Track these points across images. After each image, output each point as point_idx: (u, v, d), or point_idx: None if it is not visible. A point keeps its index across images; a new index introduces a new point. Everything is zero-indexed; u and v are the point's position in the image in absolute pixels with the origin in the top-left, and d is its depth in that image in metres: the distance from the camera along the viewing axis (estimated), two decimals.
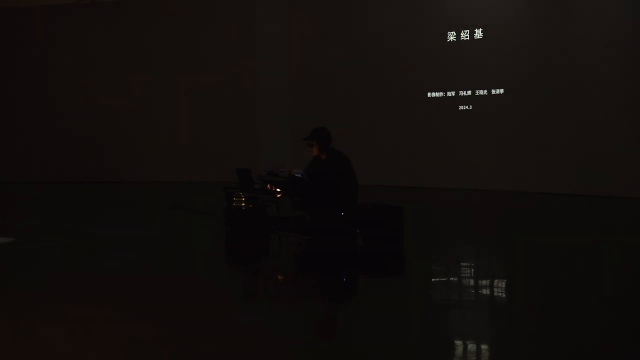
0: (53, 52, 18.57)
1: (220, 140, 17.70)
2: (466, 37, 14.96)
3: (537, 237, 9.11)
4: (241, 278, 7.20)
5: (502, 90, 14.61)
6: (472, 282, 6.66)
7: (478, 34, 14.80)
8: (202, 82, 17.84)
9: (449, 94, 15.33)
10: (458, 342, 4.69)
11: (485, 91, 14.82)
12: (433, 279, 6.87)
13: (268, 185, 8.44)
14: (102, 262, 7.51)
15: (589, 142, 13.51)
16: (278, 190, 8.30)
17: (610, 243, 8.57)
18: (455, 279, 6.79)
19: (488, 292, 6.24)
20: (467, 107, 15.11)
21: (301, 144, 8.43)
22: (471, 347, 4.57)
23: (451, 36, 15.14)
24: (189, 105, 18.01)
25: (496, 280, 6.68)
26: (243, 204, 8.93)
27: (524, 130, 14.29)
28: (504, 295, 6.21)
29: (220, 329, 4.98)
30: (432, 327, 5.08)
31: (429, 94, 15.56)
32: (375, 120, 16.11)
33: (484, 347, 4.59)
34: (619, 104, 13.16)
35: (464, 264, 7.62)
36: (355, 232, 8.07)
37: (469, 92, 15.04)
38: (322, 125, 8.33)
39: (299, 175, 8.17)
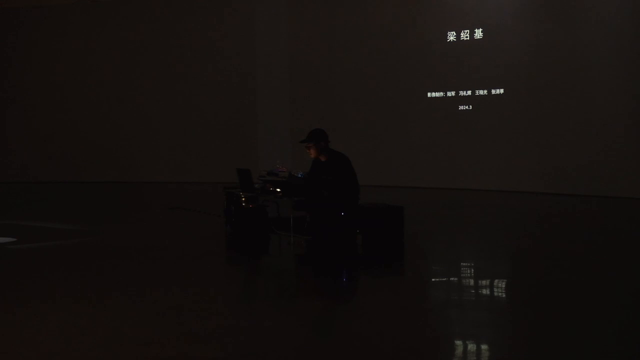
0: (54, 51, 18.57)
1: (220, 140, 17.70)
2: (466, 37, 14.96)
3: (537, 237, 9.11)
4: (241, 278, 7.20)
5: (502, 90, 14.61)
6: (471, 282, 6.66)
7: (478, 34, 14.81)
8: (202, 82, 17.84)
9: (449, 94, 15.34)
10: (457, 342, 4.70)
11: (485, 91, 14.83)
12: (433, 279, 6.87)
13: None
14: (101, 261, 7.52)
15: (590, 142, 13.52)
16: (278, 190, 8.30)
17: (610, 243, 8.57)
18: (455, 279, 6.79)
19: (488, 292, 6.24)
20: (467, 107, 15.12)
21: (301, 144, 8.45)
22: (470, 347, 4.57)
23: (451, 36, 15.14)
24: (189, 105, 18.01)
25: (496, 281, 6.68)
26: (243, 204, 8.94)
27: (524, 130, 14.30)
28: (503, 295, 6.21)
29: (220, 329, 4.98)
30: (431, 327, 5.09)
31: (429, 94, 15.57)
32: (375, 120, 16.12)
33: (483, 347, 4.59)
34: (620, 103, 13.17)
35: (463, 264, 7.63)
36: (355, 232, 8.07)
37: (469, 92, 15.04)
38: (318, 127, 8.36)
39: (299, 176, 8.18)
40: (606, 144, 13.31)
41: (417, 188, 15.20)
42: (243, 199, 8.93)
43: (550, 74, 13.92)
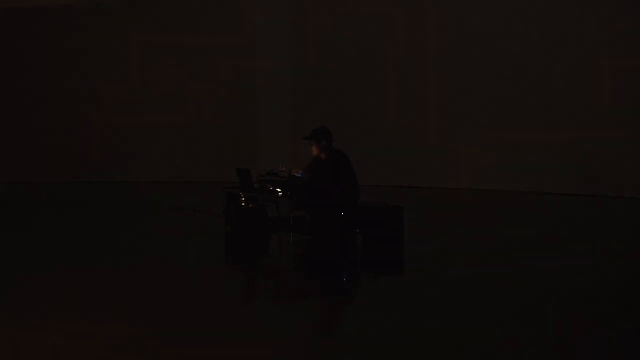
0: (54, 48, 18.54)
1: (220, 140, 17.68)
2: (466, 37, 14.92)
3: (536, 237, 9.10)
4: (241, 278, 7.20)
5: (502, 90, 14.57)
6: (471, 281, 6.64)
7: (479, 34, 14.75)
8: (202, 82, 17.80)
9: (448, 94, 15.29)
10: (457, 342, 4.69)
11: (485, 91, 14.79)
12: (433, 280, 6.86)
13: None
14: (101, 261, 7.51)
15: (588, 143, 13.51)
16: (278, 190, 8.30)
17: (607, 243, 8.57)
18: (455, 279, 6.78)
19: (487, 291, 6.23)
20: (467, 107, 15.07)
21: (301, 143, 8.44)
22: (470, 347, 4.57)
23: (451, 36, 15.10)
24: (188, 104, 17.97)
25: (495, 280, 6.67)
26: (243, 204, 8.93)
27: (523, 131, 14.28)
28: (502, 295, 6.20)
29: (220, 329, 4.98)
30: (431, 327, 5.08)
31: (429, 95, 15.52)
32: (375, 120, 16.08)
33: (482, 347, 4.59)
34: (618, 103, 13.16)
35: (463, 263, 7.60)
36: (355, 232, 8.06)
37: (469, 92, 15.00)
38: (323, 125, 8.33)
39: (299, 176, 8.17)
40: (605, 144, 13.30)
41: (417, 188, 15.17)
42: (243, 199, 8.92)
43: (551, 73, 13.90)
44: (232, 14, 17.62)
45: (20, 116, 18.75)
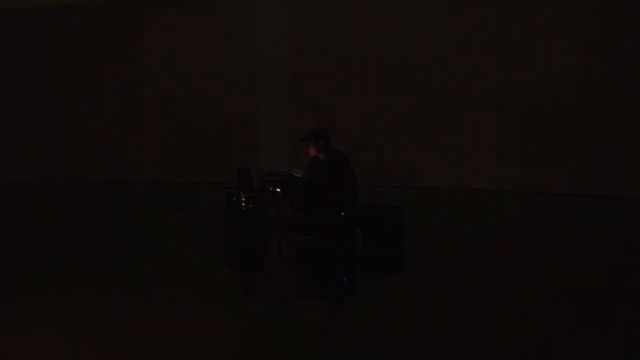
0: (54, 50, 18.55)
1: (220, 140, 17.68)
2: (468, 37, 14.92)
3: (537, 237, 9.10)
4: (241, 278, 7.20)
5: (502, 91, 14.58)
6: (471, 281, 6.64)
7: (481, 35, 14.74)
8: (201, 81, 17.80)
9: (447, 94, 15.29)
10: (457, 342, 4.69)
11: (485, 91, 14.79)
12: (433, 280, 6.85)
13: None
14: (101, 262, 7.51)
15: (587, 143, 13.51)
16: (278, 190, 8.30)
17: (607, 243, 8.57)
18: (455, 279, 6.78)
19: (487, 291, 6.23)
20: (469, 106, 15.07)
21: (301, 143, 8.44)
22: (470, 346, 4.57)
23: (454, 35, 15.10)
24: (188, 104, 17.97)
25: (495, 280, 6.67)
26: (244, 204, 8.93)
27: (522, 131, 14.28)
28: (502, 295, 6.20)
29: (220, 329, 4.98)
30: (431, 327, 5.08)
31: (429, 94, 15.51)
32: (376, 120, 16.08)
33: (482, 346, 4.59)
34: (616, 104, 13.18)
35: (462, 263, 7.60)
36: (355, 232, 8.06)
37: (468, 93, 15.00)
38: (320, 126, 8.34)
39: (299, 176, 8.17)
40: (603, 145, 13.31)
41: (417, 188, 15.17)
42: (243, 199, 8.92)
43: (551, 73, 13.91)
44: (232, 14, 17.63)
45: (19, 116, 18.77)
